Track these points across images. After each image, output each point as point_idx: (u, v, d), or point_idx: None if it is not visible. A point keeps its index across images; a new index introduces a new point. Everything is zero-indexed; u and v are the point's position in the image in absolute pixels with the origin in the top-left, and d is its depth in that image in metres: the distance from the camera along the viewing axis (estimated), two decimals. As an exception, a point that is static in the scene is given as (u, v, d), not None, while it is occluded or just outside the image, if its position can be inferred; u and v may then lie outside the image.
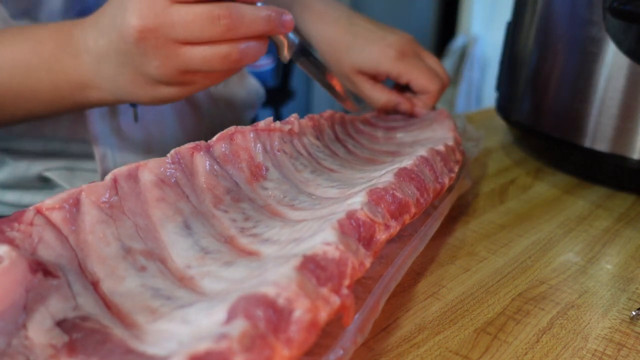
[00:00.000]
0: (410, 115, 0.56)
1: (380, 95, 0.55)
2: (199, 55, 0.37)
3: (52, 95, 0.41)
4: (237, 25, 0.36)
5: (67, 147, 0.53)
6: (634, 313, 0.33)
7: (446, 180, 0.38)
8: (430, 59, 0.57)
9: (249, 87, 0.70)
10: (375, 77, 0.56)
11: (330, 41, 0.57)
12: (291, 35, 0.43)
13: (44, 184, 0.54)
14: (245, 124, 0.36)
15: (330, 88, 0.49)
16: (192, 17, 0.35)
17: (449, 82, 0.57)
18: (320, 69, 0.48)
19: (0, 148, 0.52)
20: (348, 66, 0.56)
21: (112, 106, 0.52)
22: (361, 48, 0.55)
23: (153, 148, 0.55)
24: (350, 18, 0.57)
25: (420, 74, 0.54)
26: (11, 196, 0.54)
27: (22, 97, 0.41)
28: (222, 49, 0.37)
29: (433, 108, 0.57)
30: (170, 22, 0.35)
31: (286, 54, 0.43)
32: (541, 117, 0.56)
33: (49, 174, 0.52)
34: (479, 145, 0.54)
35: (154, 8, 0.35)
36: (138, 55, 0.37)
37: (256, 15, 0.37)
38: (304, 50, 0.46)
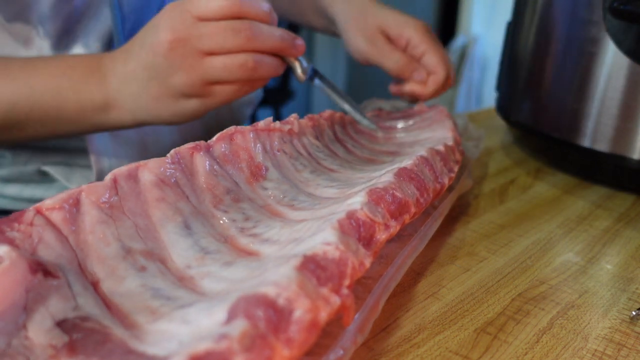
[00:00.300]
0: (415, 97, 0.57)
1: (399, 57, 0.56)
2: (220, 63, 0.41)
3: (76, 116, 0.44)
4: (255, 37, 0.41)
5: (64, 142, 0.54)
6: (634, 313, 0.33)
7: (446, 180, 0.38)
8: (445, 52, 0.59)
9: None
10: (394, 42, 0.57)
11: (360, 4, 0.59)
12: (304, 60, 0.47)
13: (43, 178, 0.55)
14: (243, 121, 0.37)
15: (349, 110, 0.52)
16: (217, 29, 0.40)
17: (453, 83, 0.58)
18: (338, 92, 0.52)
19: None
20: (372, 23, 0.57)
21: None
22: (391, 13, 0.57)
23: (148, 146, 0.56)
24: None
25: (437, 52, 0.56)
26: (12, 189, 0.55)
27: (48, 116, 0.44)
28: (240, 57, 0.41)
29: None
30: (198, 34, 0.40)
31: (300, 74, 0.47)
32: (541, 117, 0.56)
33: (47, 169, 0.53)
34: (479, 145, 0.54)
35: (184, 23, 0.40)
36: (165, 67, 0.41)
37: (272, 33, 0.43)
38: (321, 75, 0.50)
